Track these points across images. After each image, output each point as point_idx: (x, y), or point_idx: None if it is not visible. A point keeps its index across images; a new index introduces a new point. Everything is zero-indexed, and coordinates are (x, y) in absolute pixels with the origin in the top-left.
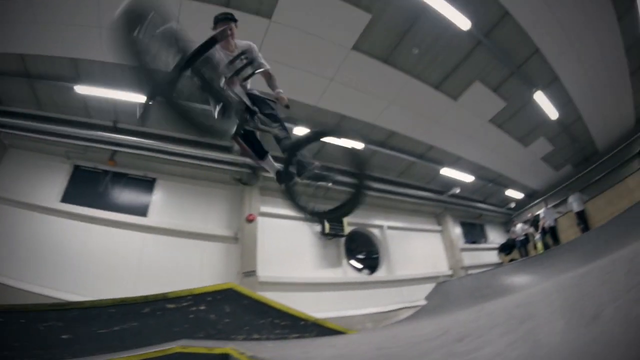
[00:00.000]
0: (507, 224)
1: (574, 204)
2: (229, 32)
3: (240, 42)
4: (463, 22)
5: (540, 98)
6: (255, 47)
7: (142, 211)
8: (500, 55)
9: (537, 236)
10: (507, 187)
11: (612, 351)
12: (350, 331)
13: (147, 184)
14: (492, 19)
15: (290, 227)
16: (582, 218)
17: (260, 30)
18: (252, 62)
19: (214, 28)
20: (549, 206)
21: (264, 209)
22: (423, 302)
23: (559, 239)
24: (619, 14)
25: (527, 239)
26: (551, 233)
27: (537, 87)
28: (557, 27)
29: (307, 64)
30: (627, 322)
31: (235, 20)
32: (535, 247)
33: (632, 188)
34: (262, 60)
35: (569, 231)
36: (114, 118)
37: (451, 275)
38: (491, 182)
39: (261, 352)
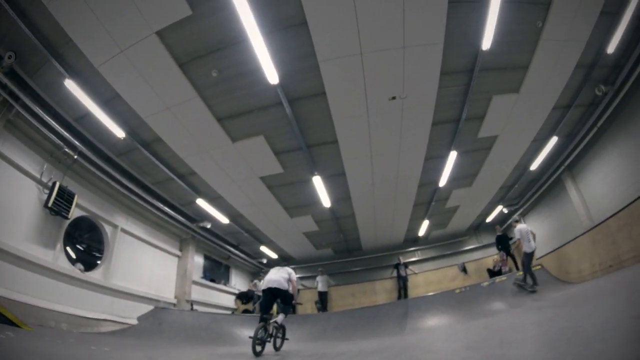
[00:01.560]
0: (255, 275)
1: (320, 283)
2: None
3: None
4: (272, 75)
5: (318, 182)
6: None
7: None
8: (295, 126)
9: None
10: (262, 243)
11: None
12: (26, 326)
13: None
14: (304, 90)
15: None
16: (322, 299)
17: None
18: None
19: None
20: (297, 276)
21: None
22: (134, 322)
23: (296, 307)
24: None
25: None
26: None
27: (318, 172)
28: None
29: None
30: None
31: None
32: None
33: (377, 290)
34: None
35: (307, 305)
36: None
37: (174, 305)
38: (247, 233)
39: None
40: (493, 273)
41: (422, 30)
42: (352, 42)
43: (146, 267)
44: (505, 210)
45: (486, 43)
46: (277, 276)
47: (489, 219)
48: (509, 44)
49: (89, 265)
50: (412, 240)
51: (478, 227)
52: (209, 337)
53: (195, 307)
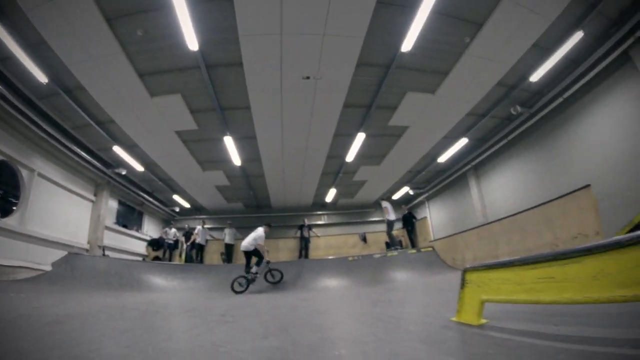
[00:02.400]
0: (167, 223)
1: (227, 235)
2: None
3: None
4: (193, 42)
5: (229, 142)
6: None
7: None
8: (211, 90)
9: (185, 246)
10: (176, 192)
11: None
12: None
13: None
14: (223, 59)
15: None
16: (228, 251)
17: None
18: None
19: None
20: (206, 227)
21: None
22: (48, 268)
23: (204, 258)
24: None
25: (176, 244)
26: (198, 249)
27: (230, 134)
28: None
29: None
30: None
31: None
32: (180, 255)
33: (281, 247)
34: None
35: (212, 255)
36: None
37: (87, 250)
38: (161, 181)
39: None
40: (393, 245)
41: (345, 23)
42: (274, 22)
43: (61, 212)
44: (412, 192)
45: (407, 46)
46: (246, 241)
47: (395, 197)
48: (432, 50)
49: (5, 212)
50: (320, 205)
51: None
52: (119, 284)
53: (107, 252)
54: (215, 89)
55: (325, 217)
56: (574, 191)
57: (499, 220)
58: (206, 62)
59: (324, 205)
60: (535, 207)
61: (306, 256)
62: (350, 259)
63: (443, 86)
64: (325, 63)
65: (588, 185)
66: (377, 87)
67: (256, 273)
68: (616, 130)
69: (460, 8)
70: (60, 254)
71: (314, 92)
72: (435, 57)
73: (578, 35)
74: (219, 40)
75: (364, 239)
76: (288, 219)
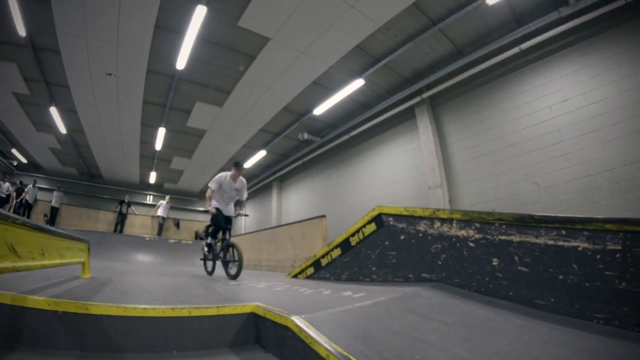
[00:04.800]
0: (4, 175)
1: (54, 199)
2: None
3: (241, 179)
4: (21, 29)
5: (55, 113)
6: (245, 183)
7: None
8: (37, 67)
9: (14, 202)
10: (14, 145)
11: None
12: None
13: None
14: (49, 46)
15: None
16: (53, 213)
17: None
18: (241, 192)
19: (234, 168)
20: (37, 186)
21: None
22: None
23: (30, 216)
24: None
25: (8, 199)
26: (27, 207)
27: (56, 105)
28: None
29: None
30: None
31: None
32: (9, 210)
33: (101, 219)
34: (245, 194)
35: (39, 216)
36: None
37: None
38: (1, 133)
39: None
40: (199, 236)
41: (134, 36)
42: (80, 25)
43: None
44: None
45: (180, 64)
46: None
47: None
48: (211, 71)
49: None
50: (147, 185)
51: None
52: None
53: None
54: (42, 67)
55: (152, 197)
56: (312, 218)
57: (263, 230)
58: (36, 44)
59: (150, 186)
60: (284, 225)
61: (121, 231)
62: (147, 238)
63: (228, 102)
64: (122, 65)
65: (324, 216)
66: (168, 92)
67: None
68: (396, 168)
69: (232, 42)
70: None
71: (117, 87)
72: (215, 77)
73: (359, 82)
74: (44, 32)
75: (177, 225)
76: (117, 193)
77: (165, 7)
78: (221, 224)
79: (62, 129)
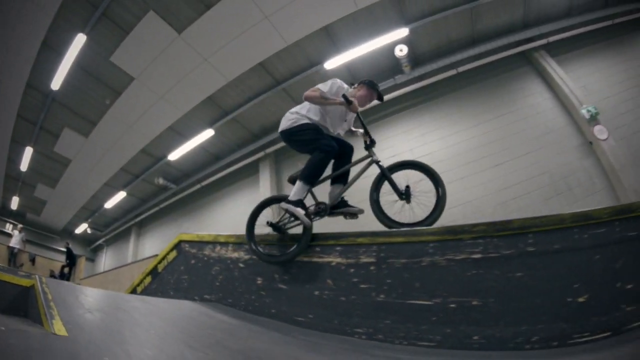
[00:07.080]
0: None
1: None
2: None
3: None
4: None
5: None
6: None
7: None
8: None
9: None
10: None
11: None
12: None
13: None
14: None
15: None
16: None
17: None
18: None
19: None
20: None
21: None
22: None
23: None
24: None
25: None
26: None
27: None
28: None
29: None
30: None
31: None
32: None
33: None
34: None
35: None
36: None
37: None
38: None
39: None
40: (53, 276)
41: (24, 45)
42: None
43: None
44: (89, 231)
45: (55, 85)
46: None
47: (77, 231)
48: (82, 99)
49: None
50: (9, 211)
51: (71, 234)
52: None
53: None
54: None
55: (11, 226)
56: (148, 257)
57: (111, 270)
58: None
59: (11, 213)
60: (124, 265)
61: None
62: None
63: (94, 134)
64: (4, 72)
65: (157, 255)
66: (41, 111)
67: None
68: (242, 219)
69: (103, 74)
70: None
71: None
72: (85, 105)
73: (209, 132)
74: None
75: (33, 260)
76: None
77: (55, 27)
78: (333, 144)
79: None
